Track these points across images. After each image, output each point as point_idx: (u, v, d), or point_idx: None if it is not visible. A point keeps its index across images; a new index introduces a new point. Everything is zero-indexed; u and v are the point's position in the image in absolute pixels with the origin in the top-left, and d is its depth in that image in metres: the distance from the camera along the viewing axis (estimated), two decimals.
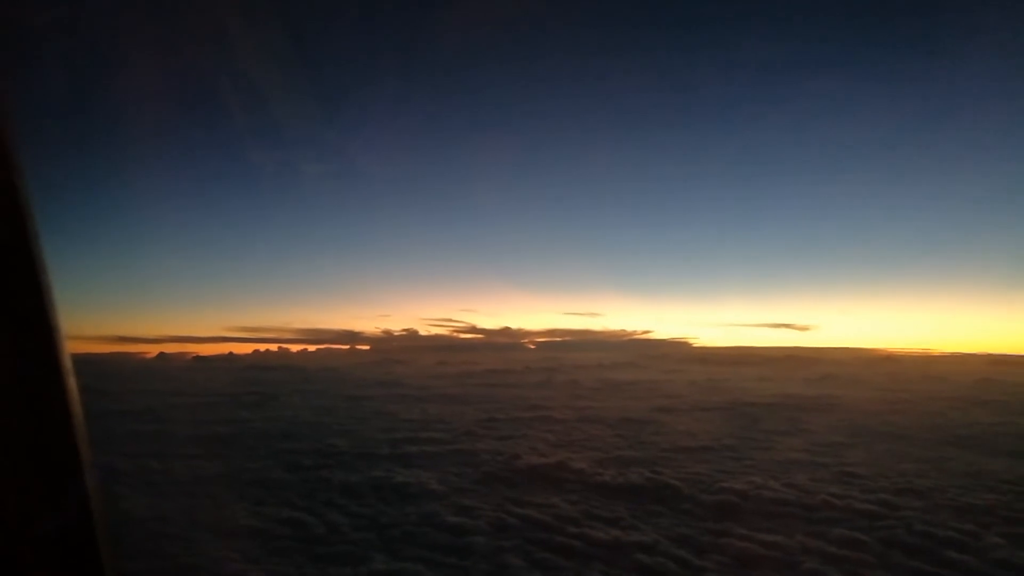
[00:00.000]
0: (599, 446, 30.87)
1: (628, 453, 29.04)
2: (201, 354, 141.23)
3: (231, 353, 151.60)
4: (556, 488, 22.54)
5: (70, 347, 1.40)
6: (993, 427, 37.20)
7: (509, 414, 42.05)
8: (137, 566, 15.24)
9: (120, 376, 69.82)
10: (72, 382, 1.39)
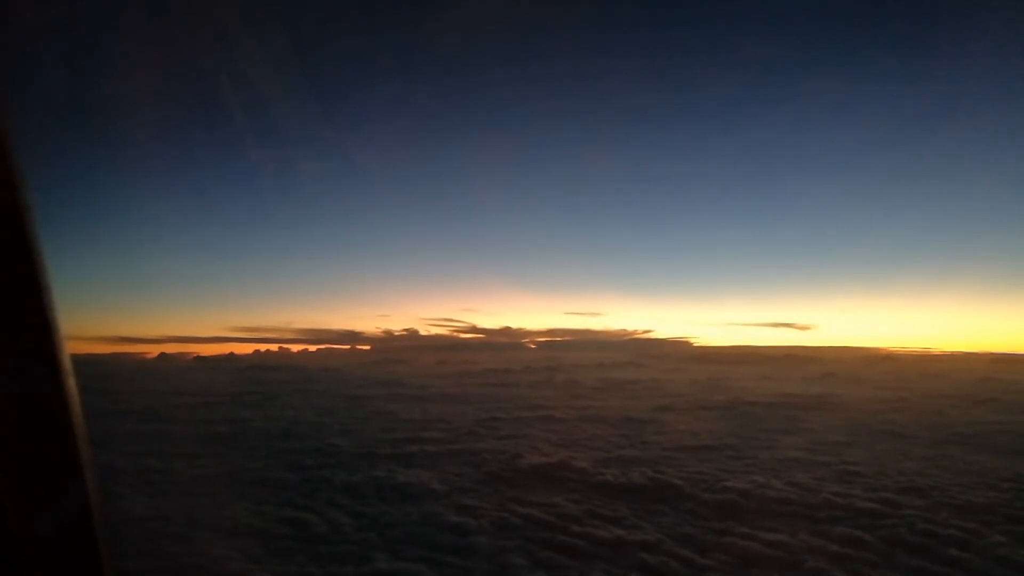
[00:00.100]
0: (601, 445, 30.89)
1: (630, 452, 29.06)
2: (202, 354, 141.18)
3: (232, 353, 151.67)
4: (558, 487, 22.55)
5: (70, 347, 1.39)
6: (995, 425, 37.15)
7: (510, 413, 42.06)
8: (137, 566, 15.26)
9: (120, 376, 69.89)
10: (72, 382, 1.39)
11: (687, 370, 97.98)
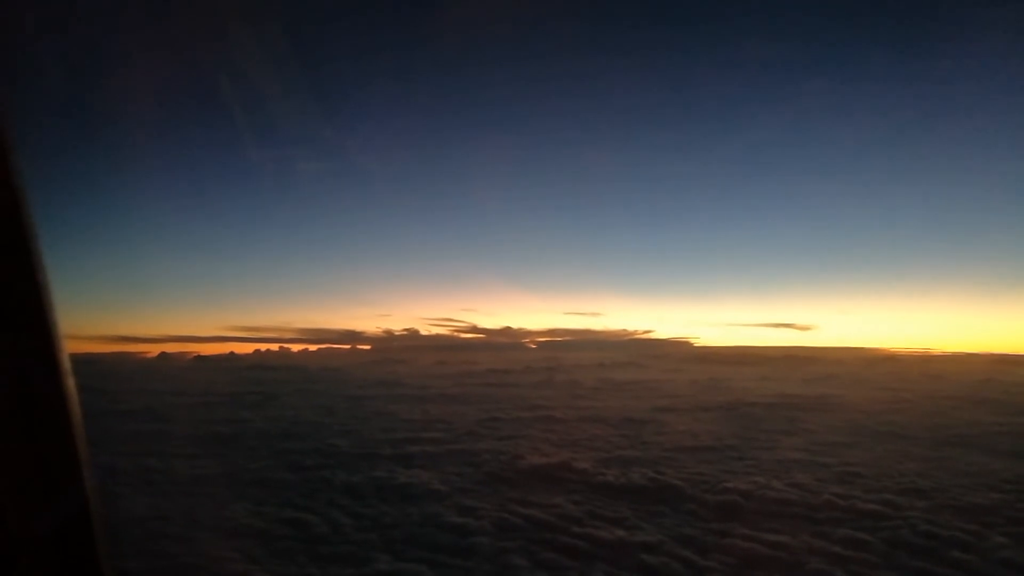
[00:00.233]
0: (601, 446, 30.86)
1: (630, 453, 29.03)
2: (202, 354, 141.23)
3: (232, 353, 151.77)
4: (559, 488, 22.53)
5: (70, 347, 1.39)
6: (996, 426, 37.11)
7: (510, 414, 42.03)
8: (137, 566, 15.26)
9: (120, 376, 69.90)
10: (71, 382, 1.38)
11: (687, 370, 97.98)
